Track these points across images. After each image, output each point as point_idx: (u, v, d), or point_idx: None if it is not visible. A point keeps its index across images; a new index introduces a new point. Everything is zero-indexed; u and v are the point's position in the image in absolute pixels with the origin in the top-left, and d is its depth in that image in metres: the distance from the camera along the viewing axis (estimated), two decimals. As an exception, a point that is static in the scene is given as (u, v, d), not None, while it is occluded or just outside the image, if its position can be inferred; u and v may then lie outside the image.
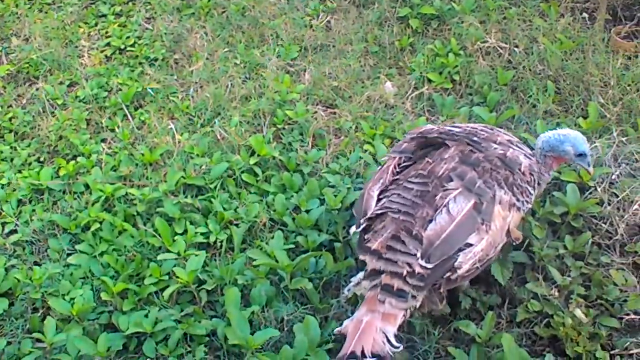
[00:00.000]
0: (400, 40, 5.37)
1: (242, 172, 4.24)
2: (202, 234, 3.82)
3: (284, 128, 4.67)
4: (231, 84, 5.03)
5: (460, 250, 2.89)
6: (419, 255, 2.85)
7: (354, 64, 5.21)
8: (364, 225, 3.03)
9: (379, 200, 3.09)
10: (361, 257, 3.00)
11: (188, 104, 4.91)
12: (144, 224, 3.94)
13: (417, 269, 2.83)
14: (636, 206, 3.72)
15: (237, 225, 3.88)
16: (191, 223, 3.88)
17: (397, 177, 3.17)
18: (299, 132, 4.60)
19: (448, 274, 2.87)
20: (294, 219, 3.88)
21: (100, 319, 3.43)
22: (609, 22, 5.26)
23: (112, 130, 4.79)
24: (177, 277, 3.39)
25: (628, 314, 3.30)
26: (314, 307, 3.38)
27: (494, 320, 3.20)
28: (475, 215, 2.94)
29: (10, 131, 4.89)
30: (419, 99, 4.83)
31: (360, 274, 3.22)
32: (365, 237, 3.00)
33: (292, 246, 3.63)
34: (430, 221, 2.91)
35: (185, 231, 3.80)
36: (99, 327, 3.38)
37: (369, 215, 3.02)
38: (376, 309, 2.82)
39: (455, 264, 2.85)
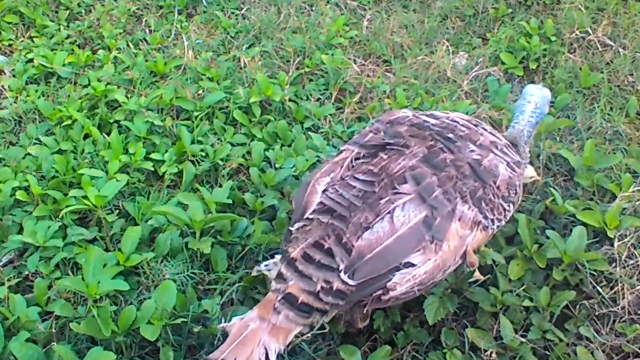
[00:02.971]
0: (497, 8, 4.59)
1: (238, 108, 3.83)
2: (154, 160, 3.47)
3: (313, 73, 4.15)
4: (288, 13, 4.55)
5: (396, 269, 2.36)
6: (342, 267, 2.33)
7: (432, 23, 4.52)
8: (299, 225, 2.51)
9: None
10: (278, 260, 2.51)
11: (234, 22, 4.51)
12: (119, 133, 3.66)
13: (337, 285, 2.33)
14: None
15: (197, 162, 3.49)
16: (153, 146, 3.55)
17: (347, 173, 2.64)
18: (326, 81, 4.06)
19: (379, 292, 2.37)
20: (263, 172, 3.44)
21: (17, 217, 3.25)
22: None
23: (150, 32, 4.51)
24: (86, 197, 3.09)
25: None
26: (204, 274, 2.99)
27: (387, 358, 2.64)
28: (423, 230, 2.39)
29: (67, 8, 4.77)
30: (479, 79, 4.09)
31: (275, 259, 2.81)
32: (291, 237, 2.51)
33: (230, 201, 3.20)
34: (367, 229, 2.38)
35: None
36: (12, 225, 3.21)
37: (307, 214, 2.50)
38: (268, 318, 2.35)
39: (389, 284, 2.35)
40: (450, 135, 2.67)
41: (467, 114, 3.59)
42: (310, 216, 2.47)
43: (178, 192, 3.35)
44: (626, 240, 3.06)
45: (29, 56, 4.37)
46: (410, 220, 2.38)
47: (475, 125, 2.79)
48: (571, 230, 3.02)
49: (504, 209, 2.66)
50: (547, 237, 3.00)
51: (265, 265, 2.90)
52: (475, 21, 4.58)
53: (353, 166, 2.63)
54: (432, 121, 2.76)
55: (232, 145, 3.66)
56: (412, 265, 2.37)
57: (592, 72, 4.00)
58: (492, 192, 2.59)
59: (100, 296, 2.68)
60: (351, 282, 2.30)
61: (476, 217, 2.52)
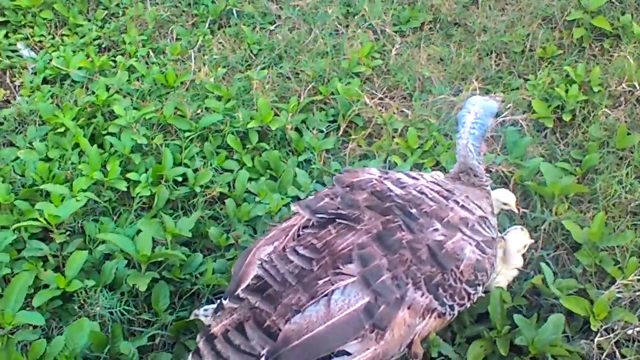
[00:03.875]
0: (545, 47, 4.18)
1: (235, 132, 3.63)
2: (130, 180, 3.32)
3: (325, 102, 3.90)
4: (319, 33, 4.32)
5: (328, 357, 2.13)
6: (263, 353, 2.11)
7: (469, 57, 4.17)
8: (229, 303, 2.27)
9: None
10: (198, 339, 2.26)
11: (259, 39, 4.32)
12: (110, 147, 3.54)
13: None
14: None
15: (174, 186, 3.32)
16: (133, 165, 3.42)
17: (291, 244, 2.37)
18: (337, 111, 3.81)
19: None
20: (239, 205, 3.24)
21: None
22: None
23: (176, 40, 4.39)
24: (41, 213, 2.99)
25: None
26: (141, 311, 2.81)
27: None
28: (362, 318, 2.15)
29: (105, 8, 4.73)
30: (506, 126, 3.71)
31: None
32: (218, 312, 2.28)
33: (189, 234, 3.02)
34: (298, 312, 2.15)
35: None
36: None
37: (240, 289, 2.26)
38: None
39: None
40: (414, 211, 2.39)
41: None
42: (242, 295, 2.24)
43: (146, 216, 3.19)
44: (611, 336, 2.65)
45: (55, 54, 4.33)
46: (350, 306, 2.14)
47: (446, 198, 2.48)
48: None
49: (468, 294, 2.40)
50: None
51: (205, 310, 2.73)
52: (522, 60, 4.18)
53: (299, 235, 2.38)
54: (398, 191, 2.48)
55: (220, 171, 3.47)
56: (347, 354, 2.15)
57: (631, 132, 3.54)
58: (454, 278, 2.33)
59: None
60: None
61: (430, 305, 2.28)
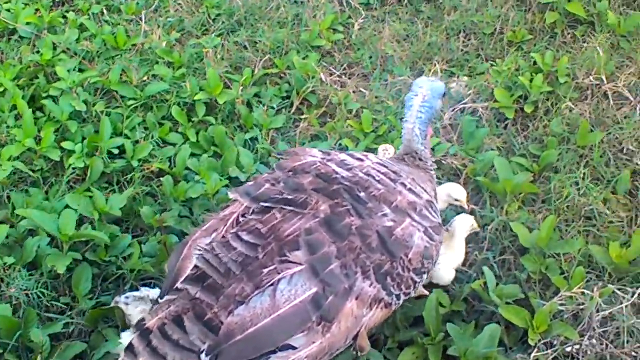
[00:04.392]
0: (515, 31, 4.01)
1: (182, 103, 3.46)
2: (65, 149, 3.16)
3: (281, 75, 3.73)
4: (279, 1, 4.12)
5: (272, 352, 2.01)
6: (204, 348, 1.98)
7: (436, 37, 4.00)
8: (167, 298, 2.12)
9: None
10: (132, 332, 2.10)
11: (218, 2, 4.11)
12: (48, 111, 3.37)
13: None
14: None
15: (111, 159, 3.16)
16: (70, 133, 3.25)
17: (232, 229, 2.22)
18: (290, 87, 3.64)
19: None
20: (177, 182, 3.09)
21: None
22: None
23: (132, -2, 4.17)
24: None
25: None
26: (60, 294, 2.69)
27: None
28: (309, 309, 2.03)
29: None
30: (466, 113, 3.56)
31: (140, 293, 2.60)
32: (154, 307, 2.15)
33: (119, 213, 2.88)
34: (242, 303, 2.02)
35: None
36: None
37: (178, 284, 2.12)
38: None
39: None
40: (362, 194, 2.27)
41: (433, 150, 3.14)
42: (180, 285, 2.10)
43: (77, 190, 3.04)
44: (549, 351, 2.55)
45: (5, 6, 4.11)
46: (297, 297, 2.02)
47: (393, 181, 2.38)
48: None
49: (414, 282, 2.30)
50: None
51: (126, 297, 2.61)
52: (490, 42, 4.01)
53: (239, 222, 2.23)
54: (344, 173, 2.35)
55: (161, 145, 3.31)
56: (292, 347, 2.02)
57: (593, 129, 3.41)
58: (402, 266, 2.22)
59: None
60: None
61: (378, 294, 2.17)
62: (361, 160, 2.45)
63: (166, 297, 2.11)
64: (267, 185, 2.32)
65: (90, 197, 2.92)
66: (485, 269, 2.74)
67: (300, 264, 2.06)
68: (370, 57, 3.89)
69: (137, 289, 2.67)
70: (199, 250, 2.17)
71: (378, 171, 2.39)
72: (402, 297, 2.28)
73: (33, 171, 3.11)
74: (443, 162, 3.25)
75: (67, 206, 2.88)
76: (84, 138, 3.24)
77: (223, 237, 2.19)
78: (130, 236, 2.87)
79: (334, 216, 2.18)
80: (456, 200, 2.88)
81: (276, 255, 2.09)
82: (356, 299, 2.11)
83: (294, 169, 2.38)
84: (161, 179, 3.09)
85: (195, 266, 2.14)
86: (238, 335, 1.97)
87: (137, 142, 3.28)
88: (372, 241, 2.16)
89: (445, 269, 2.72)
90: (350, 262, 2.11)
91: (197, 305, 2.04)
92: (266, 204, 2.23)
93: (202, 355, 1.97)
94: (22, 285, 2.62)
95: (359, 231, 2.16)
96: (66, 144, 3.17)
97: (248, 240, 2.13)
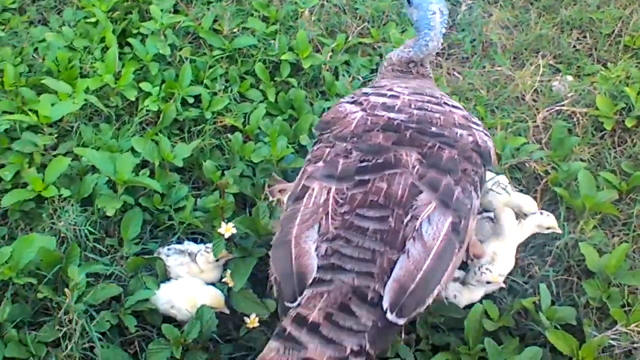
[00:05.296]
0: (635, 36, 3.70)
1: (264, 61, 3.38)
2: (142, 91, 3.16)
3: (373, 47, 3.60)
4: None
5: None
6: (386, 307, 1.92)
7: (547, 30, 3.73)
8: (301, 300, 1.97)
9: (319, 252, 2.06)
10: (285, 324, 1.94)
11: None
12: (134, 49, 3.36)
13: (369, 349, 1.91)
14: None
15: (186, 106, 3.13)
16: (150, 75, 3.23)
17: (343, 210, 2.08)
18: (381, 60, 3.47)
19: None
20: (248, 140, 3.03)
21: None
22: None
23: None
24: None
25: None
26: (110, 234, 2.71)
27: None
28: (453, 238, 2.05)
29: None
30: (562, 116, 3.32)
31: (182, 246, 2.59)
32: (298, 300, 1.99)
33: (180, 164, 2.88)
34: (395, 263, 1.97)
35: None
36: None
37: (309, 283, 1.97)
38: None
39: None
40: (433, 129, 2.26)
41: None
42: (327, 277, 1.97)
43: (146, 133, 3.03)
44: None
45: None
46: (440, 232, 2.03)
47: (438, 104, 2.39)
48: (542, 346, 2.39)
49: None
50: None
51: (168, 249, 2.59)
52: (605, 44, 3.71)
53: (344, 203, 2.08)
54: (400, 117, 2.29)
55: (238, 100, 3.24)
56: None
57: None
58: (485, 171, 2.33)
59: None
60: (401, 321, 1.95)
61: (479, 206, 2.30)
62: (395, 96, 2.39)
63: (310, 292, 1.96)
64: (341, 160, 2.18)
65: (157, 142, 2.88)
66: (542, 287, 2.54)
67: (429, 203, 2.05)
68: (473, 41, 3.67)
69: (181, 242, 2.64)
70: (317, 246, 2.03)
71: (422, 101, 2.37)
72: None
73: (107, 107, 3.10)
74: (526, 164, 3.03)
75: (132, 148, 2.87)
76: (163, 81, 3.20)
77: (338, 226, 2.04)
78: (188, 187, 2.83)
79: (433, 159, 2.16)
80: (547, 228, 2.67)
81: (404, 215, 2.04)
82: (473, 214, 2.18)
83: (354, 134, 2.25)
84: (231, 135, 3.02)
85: (326, 257, 2.00)
86: (411, 285, 1.95)
87: (215, 93, 3.22)
88: (475, 158, 2.24)
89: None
90: (466, 185, 2.15)
91: (358, 291, 1.95)
92: (362, 177, 2.12)
93: (388, 314, 1.91)
94: (72, 220, 2.62)
95: (462, 156, 2.20)
96: (144, 85, 3.15)
97: (374, 215, 2.04)
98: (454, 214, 2.06)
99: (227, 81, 3.32)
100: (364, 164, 2.14)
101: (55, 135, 2.93)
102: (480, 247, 2.35)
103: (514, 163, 2.99)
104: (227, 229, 2.39)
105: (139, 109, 3.11)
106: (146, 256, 2.57)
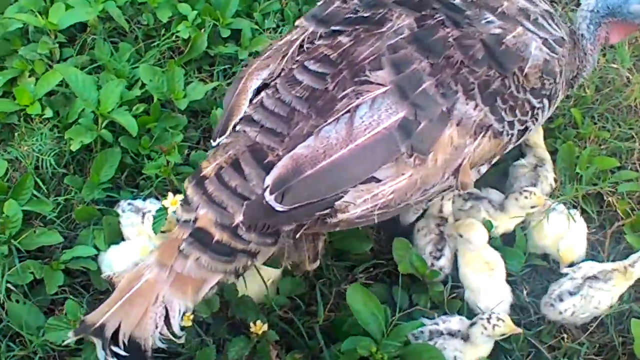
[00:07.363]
0: None
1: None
2: (177, 13, 2.73)
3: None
4: None
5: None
6: (267, 184, 1.66)
7: None
8: (220, 139, 1.82)
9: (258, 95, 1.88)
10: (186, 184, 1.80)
11: None
12: None
13: (240, 222, 1.69)
14: None
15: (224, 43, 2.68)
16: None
17: (298, 58, 1.86)
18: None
19: (323, 212, 1.71)
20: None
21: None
22: None
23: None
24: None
25: None
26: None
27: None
28: (397, 138, 1.69)
29: None
30: None
31: (140, 203, 2.21)
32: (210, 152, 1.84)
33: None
34: (310, 135, 1.69)
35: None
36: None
37: (233, 123, 1.81)
38: (170, 265, 1.70)
39: (338, 203, 1.69)
40: (457, 2, 1.88)
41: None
42: (238, 127, 1.79)
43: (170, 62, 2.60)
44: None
45: None
46: (380, 123, 1.69)
47: None
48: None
49: (532, 107, 1.92)
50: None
51: (128, 204, 2.23)
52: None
53: (304, 50, 1.85)
54: None
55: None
56: (376, 180, 1.70)
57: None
58: (516, 84, 1.85)
59: None
60: (279, 208, 1.64)
61: (485, 120, 1.81)
62: None
63: (223, 140, 1.80)
64: (337, 3, 1.93)
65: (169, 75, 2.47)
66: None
67: (383, 85, 1.71)
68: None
69: (158, 199, 2.23)
70: (257, 86, 1.85)
71: None
72: (518, 127, 1.90)
73: (138, 23, 2.71)
74: (604, 196, 2.34)
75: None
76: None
77: (283, 69, 1.84)
78: (183, 136, 2.41)
79: (423, 30, 1.80)
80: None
81: (350, 83, 1.73)
82: (457, 124, 1.76)
83: None
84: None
85: (254, 105, 1.81)
86: (308, 170, 1.65)
87: (261, 32, 2.74)
88: (477, 52, 1.80)
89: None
90: (449, 80, 1.75)
91: (257, 148, 1.72)
92: (337, 28, 1.85)
93: (267, 194, 1.63)
94: (37, 146, 2.28)
95: (458, 42, 1.80)
96: (182, 7, 2.71)
97: (315, 70, 1.78)
98: (410, 108, 1.69)
99: (282, 20, 2.82)
100: (352, 15, 1.88)
101: (70, 47, 2.58)
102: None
103: (589, 191, 2.29)
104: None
105: (169, 33, 2.69)
106: (98, 207, 2.18)
